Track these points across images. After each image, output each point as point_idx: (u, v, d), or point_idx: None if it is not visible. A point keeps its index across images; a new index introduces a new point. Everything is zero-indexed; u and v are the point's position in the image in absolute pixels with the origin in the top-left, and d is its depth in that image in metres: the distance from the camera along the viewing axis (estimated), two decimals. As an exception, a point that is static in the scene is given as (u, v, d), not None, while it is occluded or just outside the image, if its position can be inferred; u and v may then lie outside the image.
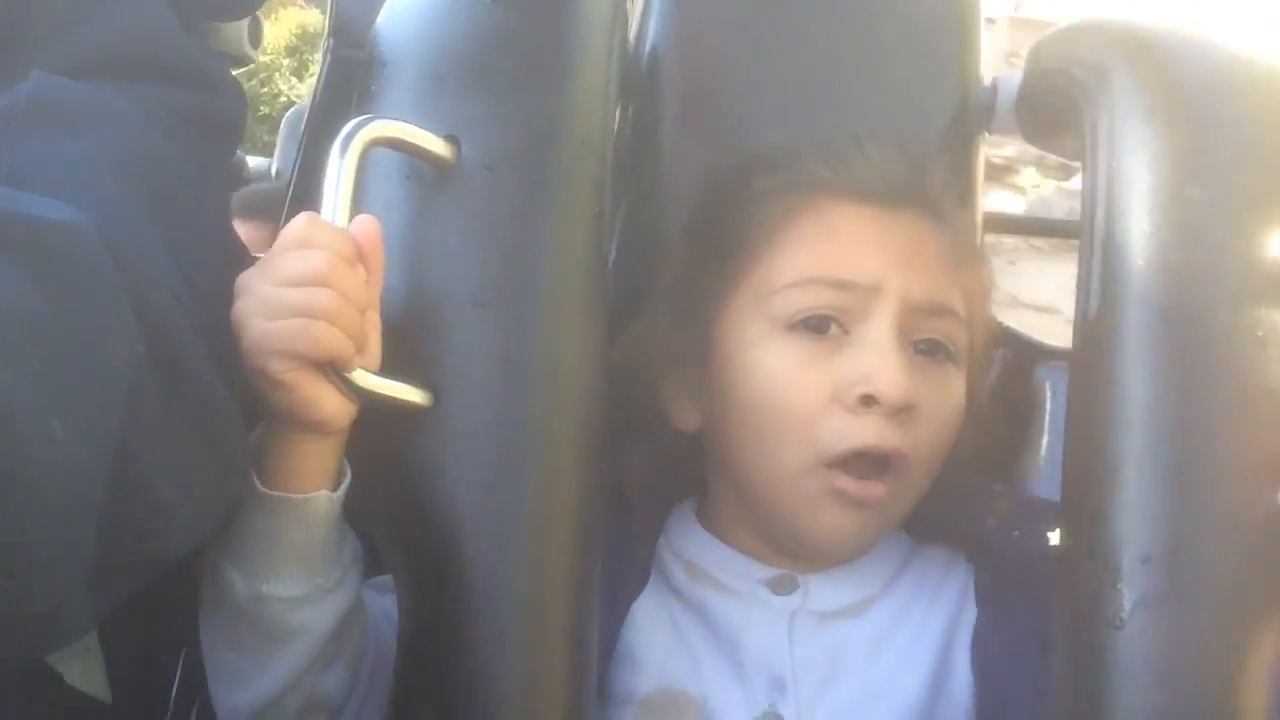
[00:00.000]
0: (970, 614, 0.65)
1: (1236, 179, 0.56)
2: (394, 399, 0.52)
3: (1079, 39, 0.72)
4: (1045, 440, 0.90)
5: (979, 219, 0.93)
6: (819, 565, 0.66)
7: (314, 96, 0.89)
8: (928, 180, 0.69)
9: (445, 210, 0.56)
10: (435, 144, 0.56)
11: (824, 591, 0.66)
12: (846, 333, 0.62)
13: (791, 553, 0.66)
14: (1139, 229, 0.57)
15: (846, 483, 0.60)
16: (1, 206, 0.43)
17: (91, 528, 0.41)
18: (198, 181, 0.60)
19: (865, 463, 0.61)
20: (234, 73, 0.84)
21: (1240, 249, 0.54)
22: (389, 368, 0.53)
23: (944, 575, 0.68)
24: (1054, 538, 0.60)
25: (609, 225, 0.60)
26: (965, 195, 0.91)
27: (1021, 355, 0.92)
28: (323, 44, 1.01)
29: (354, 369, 0.51)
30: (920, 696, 0.63)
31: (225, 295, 0.52)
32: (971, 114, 0.91)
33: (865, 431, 0.60)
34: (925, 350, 0.63)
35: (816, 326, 0.62)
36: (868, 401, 0.60)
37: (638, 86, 0.90)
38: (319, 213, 0.52)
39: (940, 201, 0.68)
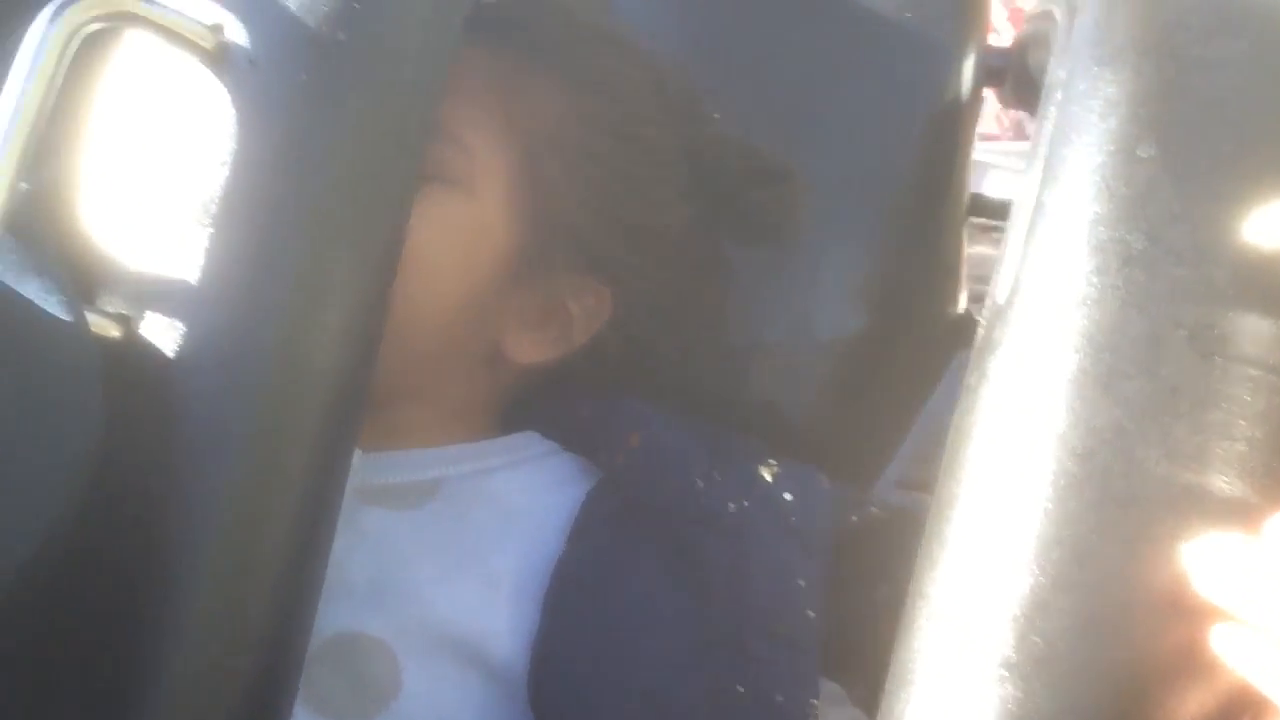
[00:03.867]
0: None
1: (1205, 138, 0.42)
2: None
3: (1065, -29, 0.58)
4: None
5: (963, 201, 0.81)
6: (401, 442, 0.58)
7: None
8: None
9: (189, 111, 0.45)
10: (192, 31, 0.45)
11: (380, 466, 0.56)
12: None
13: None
14: (1071, 196, 0.43)
15: None
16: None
17: None
18: None
19: None
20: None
21: (1197, 228, 0.41)
22: (86, 295, 0.43)
23: (559, 486, 0.59)
24: (670, 484, 0.57)
25: (417, 149, 0.48)
26: (945, 172, 0.79)
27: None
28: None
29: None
30: (449, 613, 0.54)
31: None
32: (964, 81, 0.79)
33: None
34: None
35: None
36: None
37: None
38: None
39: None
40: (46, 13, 0.42)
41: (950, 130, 0.79)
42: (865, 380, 0.77)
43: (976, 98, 0.80)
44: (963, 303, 0.81)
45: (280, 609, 0.43)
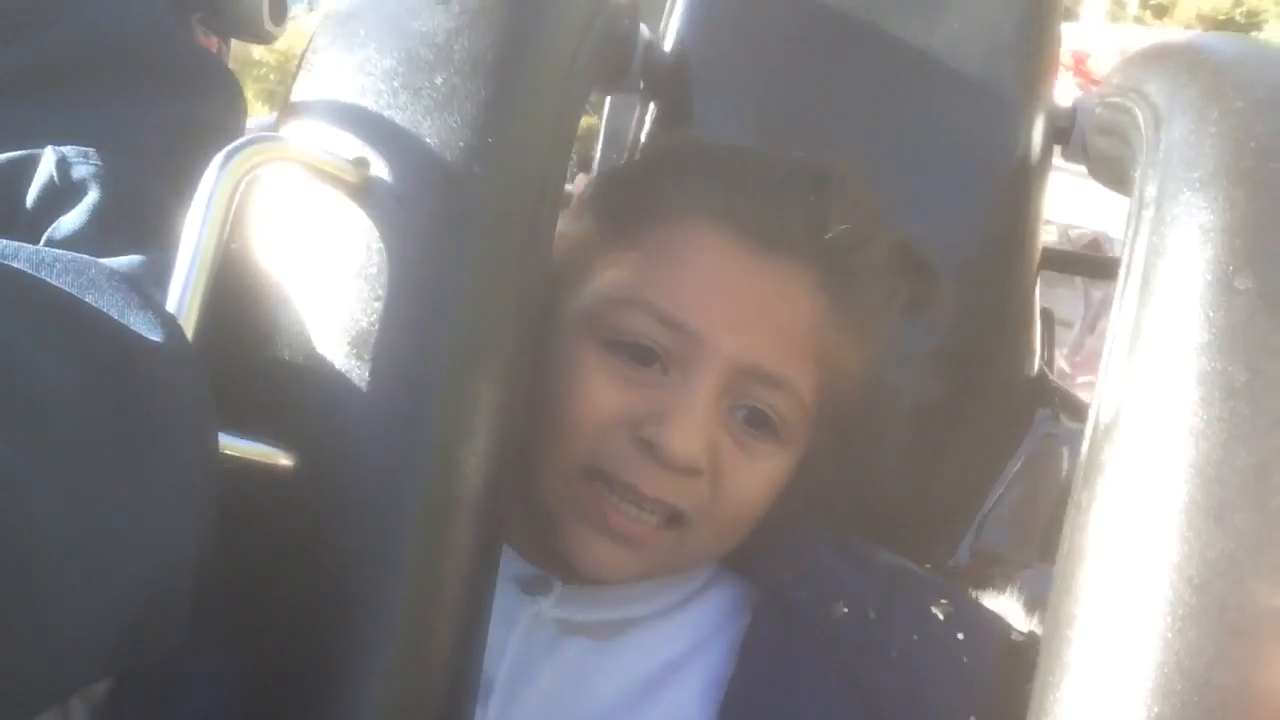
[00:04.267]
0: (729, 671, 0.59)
1: (1303, 271, 0.45)
2: (254, 460, 0.46)
3: (1148, 68, 0.61)
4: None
5: (1035, 257, 0.83)
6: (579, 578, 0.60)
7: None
8: (829, 228, 0.60)
9: (342, 244, 0.48)
10: (341, 168, 0.48)
11: (576, 603, 0.60)
12: (666, 372, 0.58)
13: (555, 559, 0.60)
14: (1171, 324, 0.46)
15: (608, 504, 0.57)
16: (104, 317, 0.41)
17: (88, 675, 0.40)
18: None
19: (639, 500, 0.57)
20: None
21: (1294, 361, 0.43)
22: (250, 423, 0.46)
23: (727, 618, 0.62)
24: (839, 609, 0.59)
25: (539, 270, 0.52)
26: (1018, 229, 0.81)
27: (1072, 416, 0.81)
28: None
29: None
30: None
31: None
32: (1035, 138, 0.81)
33: (638, 470, 0.56)
34: (747, 418, 0.59)
35: (641, 358, 0.58)
36: (645, 446, 0.56)
37: (660, 85, 0.83)
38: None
39: (837, 257, 0.60)
40: (217, 160, 0.46)
41: (1022, 189, 0.81)
42: (947, 445, 0.79)
43: (1047, 156, 0.82)
44: (1038, 363, 0.83)
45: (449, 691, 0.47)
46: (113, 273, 0.45)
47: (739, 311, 0.58)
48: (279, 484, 0.46)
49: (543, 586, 0.61)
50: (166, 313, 0.44)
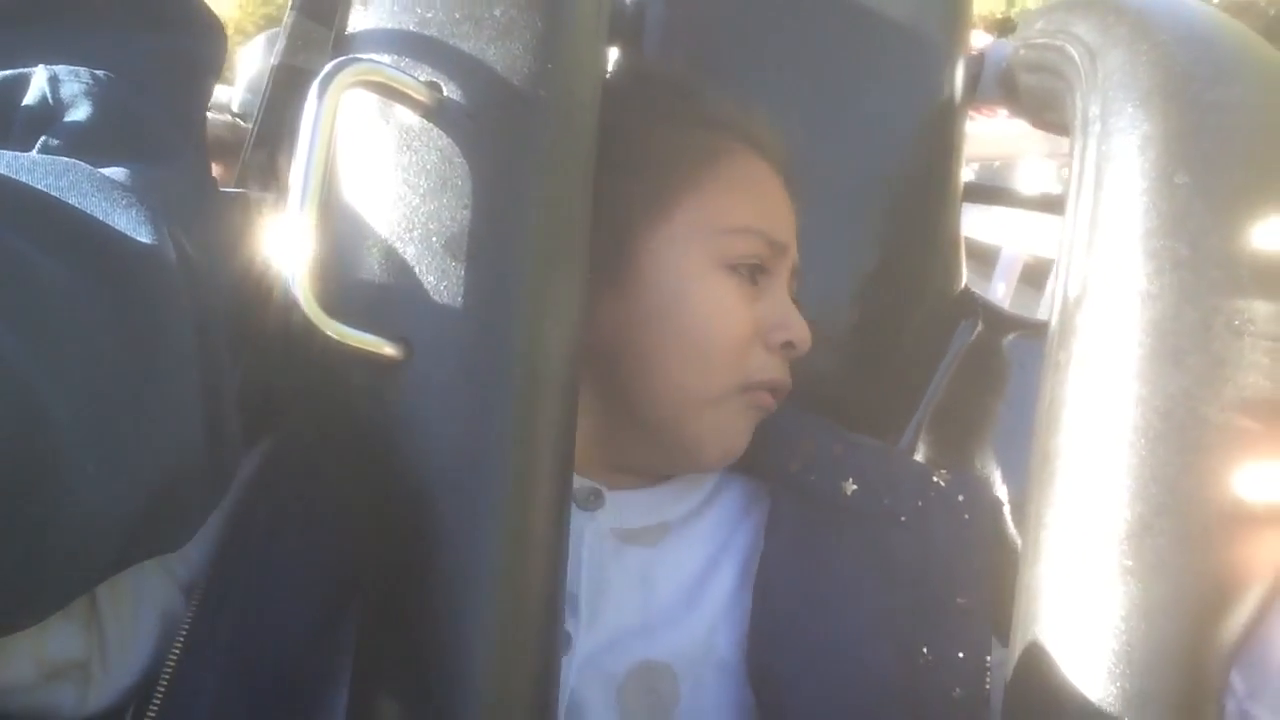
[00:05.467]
0: (760, 549, 0.67)
1: (1226, 168, 0.56)
2: (364, 350, 0.51)
3: (1074, 15, 0.71)
4: (1006, 410, 0.91)
5: (959, 189, 0.93)
6: (628, 482, 0.70)
7: (285, 31, 0.86)
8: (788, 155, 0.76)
9: (424, 158, 0.54)
10: (417, 89, 0.54)
11: (623, 511, 0.68)
12: (756, 283, 0.69)
13: (672, 464, 0.70)
14: (1124, 213, 0.57)
15: (767, 399, 0.69)
16: (95, 221, 0.43)
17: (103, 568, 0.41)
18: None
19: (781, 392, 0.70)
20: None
21: (1224, 239, 0.54)
22: (359, 318, 0.51)
23: (744, 512, 0.71)
24: (849, 487, 0.69)
25: (592, 182, 0.58)
26: (944, 164, 0.92)
27: (992, 325, 0.92)
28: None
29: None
30: (700, 632, 0.65)
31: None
32: (957, 83, 0.91)
33: (780, 369, 0.69)
34: None
35: (749, 275, 0.68)
36: (787, 347, 0.69)
37: (625, 31, 0.89)
38: (291, 155, 0.51)
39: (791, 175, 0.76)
40: (314, 87, 0.51)
41: (947, 126, 0.92)
42: (885, 350, 0.89)
43: (966, 98, 0.93)
44: (963, 280, 0.94)
45: (546, 578, 0.53)
46: (95, 174, 0.47)
47: (790, 223, 0.73)
48: (383, 372, 0.52)
49: (595, 500, 0.68)
50: (153, 214, 0.46)
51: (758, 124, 0.74)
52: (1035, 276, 2.27)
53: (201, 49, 0.65)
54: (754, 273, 0.68)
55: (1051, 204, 0.97)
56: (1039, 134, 0.96)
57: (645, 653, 0.63)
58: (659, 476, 0.72)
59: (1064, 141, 0.69)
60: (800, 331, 0.68)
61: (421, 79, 0.55)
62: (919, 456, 0.90)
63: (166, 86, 0.60)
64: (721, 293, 0.66)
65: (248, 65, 1.94)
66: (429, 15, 0.56)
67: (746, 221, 0.68)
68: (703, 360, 0.65)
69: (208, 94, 0.67)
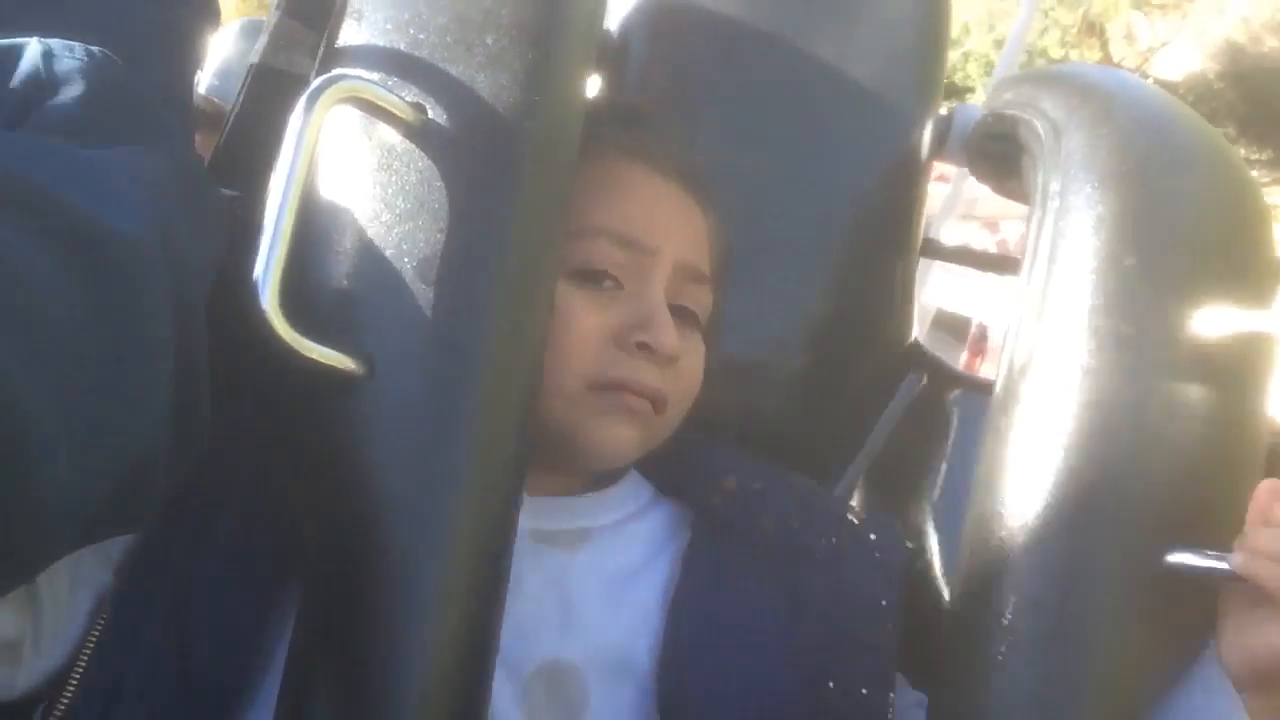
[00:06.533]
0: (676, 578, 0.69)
1: (1172, 253, 0.58)
2: (325, 365, 0.51)
3: (1042, 91, 0.74)
4: (945, 465, 0.94)
5: (917, 243, 0.96)
6: (547, 488, 0.70)
7: (268, 30, 0.86)
8: (699, 161, 0.77)
9: (404, 178, 0.55)
10: (403, 110, 0.55)
11: (541, 514, 0.68)
12: (621, 286, 0.68)
13: (560, 460, 0.69)
14: (1073, 289, 0.59)
15: (634, 401, 0.67)
16: (79, 208, 0.43)
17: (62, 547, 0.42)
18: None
19: (642, 393, 0.67)
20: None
21: (1166, 323, 0.57)
22: (324, 332, 0.52)
23: (670, 535, 0.72)
24: (766, 522, 0.70)
25: (564, 213, 0.59)
26: (904, 218, 0.94)
27: (935, 379, 0.95)
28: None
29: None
30: (617, 637, 0.66)
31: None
32: (924, 142, 0.94)
33: (637, 369, 0.67)
34: (678, 315, 0.70)
35: (593, 277, 0.67)
36: (644, 349, 0.66)
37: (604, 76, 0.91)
38: (267, 156, 0.51)
39: (706, 182, 0.76)
40: (302, 101, 0.51)
41: (909, 182, 0.94)
42: (830, 395, 0.91)
43: (931, 157, 0.95)
44: (913, 333, 0.97)
45: (486, 583, 0.54)
46: (80, 157, 0.47)
47: (671, 224, 0.71)
48: (344, 387, 0.52)
49: None
50: (137, 199, 0.46)
51: (631, 128, 0.74)
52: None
53: (198, 19, 0.65)
54: (599, 278, 0.67)
55: (1007, 264, 1.00)
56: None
57: (555, 651, 0.64)
58: (580, 483, 0.73)
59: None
60: (658, 334, 0.66)
61: (408, 99, 0.56)
62: (856, 500, 0.92)
63: (164, 59, 0.60)
64: (564, 299, 0.65)
65: (218, 50, 1.92)
66: (421, 37, 0.57)
67: (598, 223, 0.68)
68: (553, 360, 0.63)
69: (199, 60, 0.68)
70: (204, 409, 0.51)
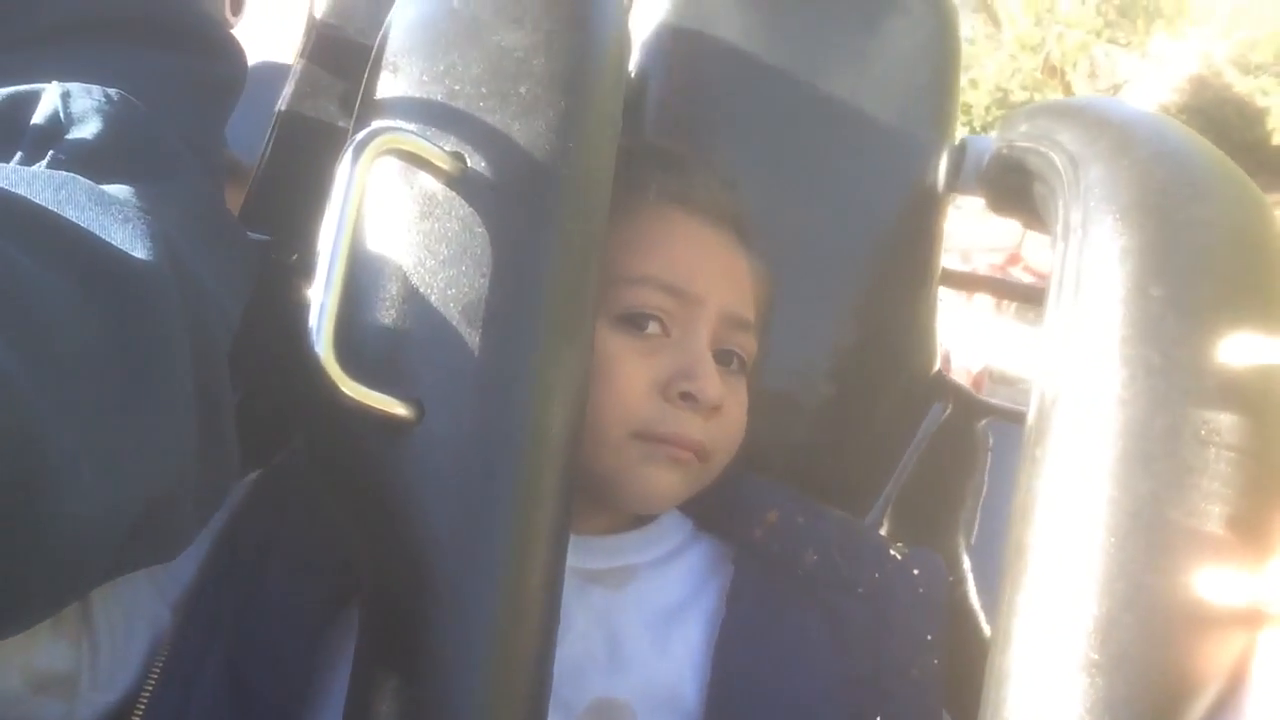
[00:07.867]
0: (722, 615, 0.69)
1: (1197, 282, 0.59)
2: (377, 410, 0.53)
3: (1058, 123, 0.75)
4: (972, 491, 0.95)
5: (936, 273, 0.97)
6: (592, 528, 0.71)
7: (294, 77, 0.88)
8: (743, 205, 0.79)
9: (446, 225, 0.56)
10: (443, 159, 0.56)
11: (586, 553, 0.69)
12: (668, 335, 0.69)
13: (611, 508, 0.71)
14: (1101, 320, 0.60)
15: (677, 453, 0.68)
16: (92, 240, 0.44)
17: (93, 577, 0.42)
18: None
19: (685, 444, 0.68)
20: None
21: (1195, 350, 0.58)
22: (374, 377, 0.53)
23: (711, 571, 0.73)
24: (810, 557, 0.71)
25: (601, 256, 0.61)
26: (924, 249, 0.96)
27: (962, 409, 0.96)
28: (307, 20, 0.99)
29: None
30: (667, 677, 0.67)
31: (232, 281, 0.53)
32: (940, 174, 0.95)
33: (680, 422, 0.68)
34: (722, 360, 0.72)
35: (637, 323, 0.69)
36: (687, 399, 0.67)
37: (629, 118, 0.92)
38: (299, 201, 0.53)
39: (749, 226, 0.78)
40: (349, 152, 0.53)
41: (927, 214, 0.96)
42: (858, 426, 0.92)
43: (948, 188, 0.97)
44: (936, 363, 0.98)
45: (540, 626, 0.55)
46: (93, 189, 0.48)
47: (717, 272, 0.73)
48: (395, 431, 0.54)
49: None
50: (151, 230, 0.47)
51: (676, 175, 0.75)
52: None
53: (218, 70, 0.66)
54: (643, 322, 0.69)
55: (1031, 294, 1.01)
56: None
57: (606, 691, 0.65)
58: (623, 522, 0.74)
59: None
60: (703, 384, 0.67)
61: (447, 149, 0.57)
62: (885, 531, 0.93)
63: (179, 107, 0.61)
64: (608, 345, 0.66)
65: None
66: (457, 88, 0.59)
67: (643, 271, 0.69)
68: (597, 408, 0.64)
69: (226, 115, 0.68)
70: (230, 442, 0.52)
